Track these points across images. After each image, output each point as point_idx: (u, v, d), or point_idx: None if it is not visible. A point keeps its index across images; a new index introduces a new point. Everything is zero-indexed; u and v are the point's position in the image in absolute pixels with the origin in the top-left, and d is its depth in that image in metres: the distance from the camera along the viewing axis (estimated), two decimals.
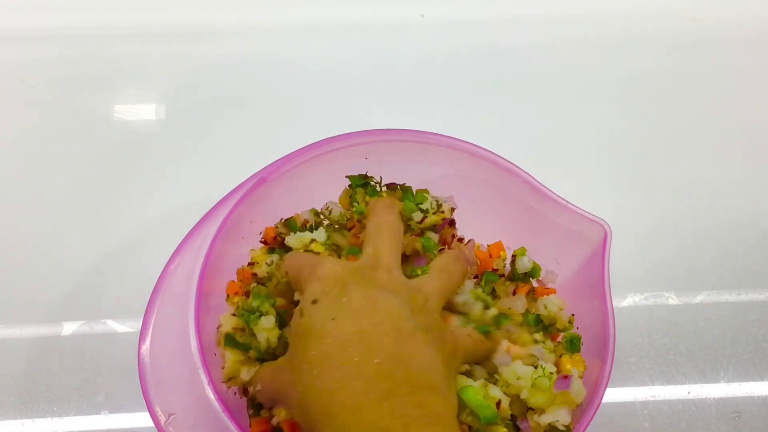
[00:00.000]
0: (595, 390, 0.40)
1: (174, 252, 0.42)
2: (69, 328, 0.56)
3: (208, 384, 0.38)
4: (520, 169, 0.46)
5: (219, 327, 0.42)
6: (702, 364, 0.57)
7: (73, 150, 0.65)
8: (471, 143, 0.47)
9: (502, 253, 0.48)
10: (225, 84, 0.69)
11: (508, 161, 0.47)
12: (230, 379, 0.41)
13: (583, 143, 0.67)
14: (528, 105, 0.70)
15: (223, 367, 0.41)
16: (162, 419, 0.37)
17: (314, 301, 0.37)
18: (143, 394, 0.38)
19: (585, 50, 0.73)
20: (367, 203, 0.45)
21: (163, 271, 0.41)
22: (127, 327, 0.56)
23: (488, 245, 0.48)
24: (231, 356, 0.41)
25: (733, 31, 0.75)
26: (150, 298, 0.41)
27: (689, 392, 0.56)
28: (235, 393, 0.42)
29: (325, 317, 0.35)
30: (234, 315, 0.42)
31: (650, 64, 0.73)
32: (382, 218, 0.43)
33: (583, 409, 0.40)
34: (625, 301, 0.60)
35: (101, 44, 0.71)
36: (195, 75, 0.70)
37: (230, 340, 0.41)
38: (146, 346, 0.39)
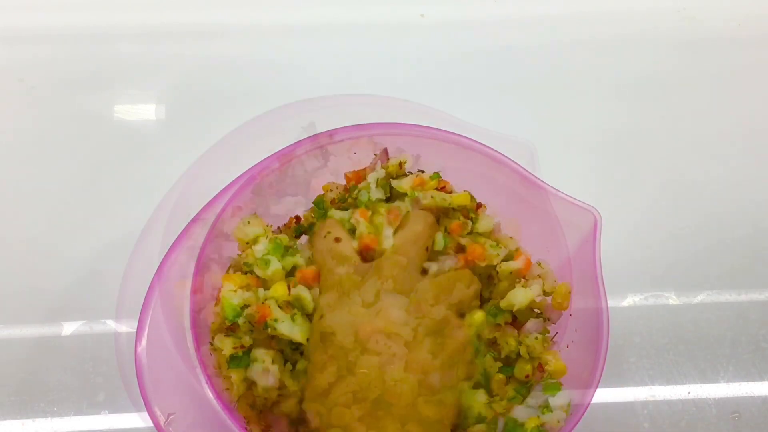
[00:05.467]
0: (584, 392, 0.40)
1: (166, 253, 0.42)
2: (69, 328, 0.56)
3: (206, 382, 0.38)
4: (510, 159, 0.46)
5: (212, 345, 0.42)
6: (702, 364, 0.57)
7: (72, 150, 0.65)
8: (461, 135, 0.47)
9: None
10: (225, 84, 0.69)
11: (498, 152, 0.46)
12: (240, 397, 0.41)
13: (583, 143, 0.67)
14: (528, 105, 0.70)
15: (228, 389, 0.41)
16: (161, 419, 0.37)
17: (321, 317, 0.39)
18: (141, 394, 0.38)
19: (585, 50, 0.73)
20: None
21: (156, 272, 0.42)
22: (128, 327, 0.56)
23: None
24: (236, 377, 0.40)
25: (733, 31, 0.75)
26: (144, 299, 0.41)
27: (689, 392, 0.56)
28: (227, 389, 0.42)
29: (335, 325, 0.39)
30: (227, 336, 0.41)
31: (649, 63, 0.73)
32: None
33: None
34: (625, 301, 0.60)
35: (101, 44, 0.71)
36: (195, 75, 0.70)
37: (235, 362, 0.40)
38: (142, 347, 0.39)
